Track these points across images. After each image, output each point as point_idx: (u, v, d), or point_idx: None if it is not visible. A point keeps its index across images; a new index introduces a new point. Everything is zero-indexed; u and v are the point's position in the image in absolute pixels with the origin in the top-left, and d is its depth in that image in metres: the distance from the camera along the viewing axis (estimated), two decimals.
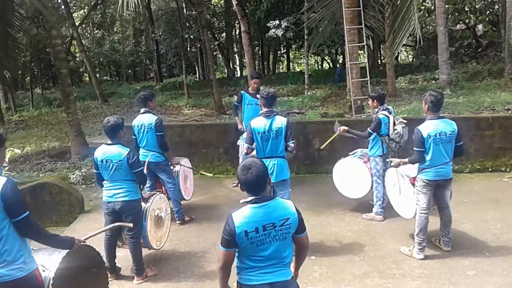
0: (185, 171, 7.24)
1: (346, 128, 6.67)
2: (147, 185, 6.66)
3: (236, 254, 3.05)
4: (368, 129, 6.47)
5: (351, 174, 6.91)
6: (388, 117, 6.38)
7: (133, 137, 6.64)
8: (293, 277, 3.15)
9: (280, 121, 5.46)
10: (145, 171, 5.44)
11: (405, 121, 6.43)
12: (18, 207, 3.09)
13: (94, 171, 5.20)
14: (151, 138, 6.51)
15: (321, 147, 7.43)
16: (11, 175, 7.58)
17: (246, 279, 3.03)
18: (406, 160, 5.55)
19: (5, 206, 3.01)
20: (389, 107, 6.65)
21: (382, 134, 6.41)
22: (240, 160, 7.77)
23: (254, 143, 5.50)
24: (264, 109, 5.55)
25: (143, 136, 6.52)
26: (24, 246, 3.15)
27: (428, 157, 5.19)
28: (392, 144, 6.35)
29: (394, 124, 6.33)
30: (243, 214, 2.95)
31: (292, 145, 5.53)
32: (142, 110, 6.64)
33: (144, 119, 6.52)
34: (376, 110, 6.59)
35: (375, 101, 6.61)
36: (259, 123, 5.46)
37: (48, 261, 3.46)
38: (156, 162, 6.55)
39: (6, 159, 6.92)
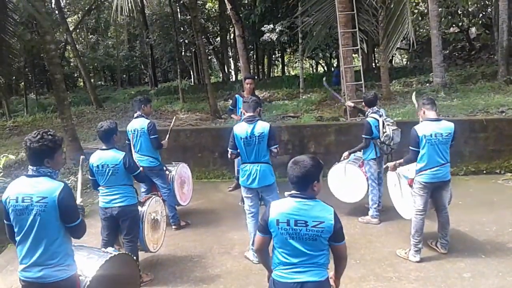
0: (181, 176, 7.22)
1: (347, 153, 6.82)
2: (143, 189, 6.67)
3: (273, 247, 3.11)
4: (363, 136, 6.51)
5: (347, 179, 6.92)
6: (378, 120, 6.40)
7: (127, 142, 6.64)
8: (328, 279, 3.13)
9: (262, 126, 5.46)
10: None
11: (392, 121, 6.44)
12: (74, 214, 3.28)
13: (89, 177, 5.19)
14: (144, 143, 6.51)
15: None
16: (6, 181, 7.55)
17: (279, 275, 3.08)
18: (401, 160, 5.59)
19: (61, 212, 3.18)
20: (380, 110, 6.66)
21: (374, 137, 6.43)
22: (235, 164, 7.76)
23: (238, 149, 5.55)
24: (247, 115, 5.58)
25: (136, 140, 6.52)
26: (70, 249, 3.36)
27: (424, 158, 5.22)
28: (383, 147, 6.38)
29: (383, 126, 6.34)
30: (280, 204, 3.06)
31: (275, 150, 5.56)
32: (135, 115, 6.65)
33: (137, 124, 6.54)
34: (366, 113, 6.63)
35: (365, 104, 6.68)
36: (241, 128, 5.48)
37: (86, 267, 3.60)
38: (150, 167, 6.54)
39: (1, 165, 6.89)
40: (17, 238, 3.26)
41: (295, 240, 2.97)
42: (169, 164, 7.12)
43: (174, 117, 7.43)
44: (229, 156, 5.71)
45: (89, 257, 3.68)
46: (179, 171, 7.15)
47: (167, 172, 6.84)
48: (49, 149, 3.25)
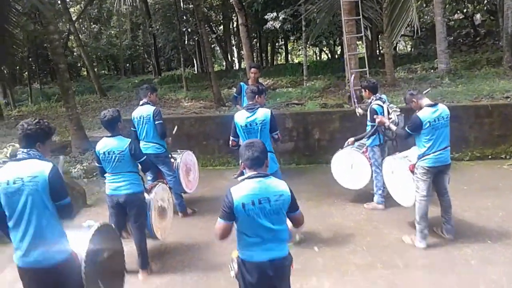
0: (187, 163, 7.23)
1: (353, 139, 6.80)
2: (149, 177, 6.69)
3: (237, 231, 3.29)
4: (368, 123, 6.51)
5: (350, 165, 6.92)
6: (382, 106, 6.39)
7: (132, 129, 6.65)
8: (289, 253, 3.37)
9: (263, 113, 5.47)
10: None
11: (399, 110, 6.43)
12: (63, 191, 3.36)
13: (97, 164, 5.20)
14: (150, 130, 6.51)
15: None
16: None
17: (248, 255, 3.26)
18: (393, 127, 5.70)
19: (51, 190, 3.25)
20: (382, 96, 6.63)
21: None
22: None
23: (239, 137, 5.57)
24: (248, 102, 5.64)
25: (142, 128, 6.53)
26: (63, 229, 3.41)
27: (428, 143, 5.22)
28: (388, 133, 6.37)
29: (389, 113, 6.32)
30: (241, 188, 3.22)
31: (276, 136, 5.62)
32: (141, 102, 6.65)
33: (143, 111, 6.54)
34: (370, 100, 6.61)
35: (367, 91, 6.65)
36: (241, 116, 5.51)
37: (76, 243, 3.59)
38: (156, 154, 6.56)
39: (8, 154, 6.94)
40: (10, 224, 3.29)
41: (261, 217, 3.17)
42: (174, 152, 7.14)
43: (176, 127, 7.45)
44: (230, 143, 5.75)
45: (74, 234, 3.64)
46: (184, 159, 7.15)
47: (172, 160, 6.86)
48: (43, 133, 3.40)
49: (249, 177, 3.25)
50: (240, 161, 3.43)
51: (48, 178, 3.23)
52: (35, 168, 3.25)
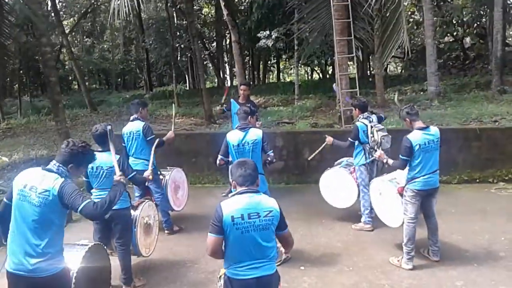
0: (175, 181, 7.19)
1: (332, 138, 6.84)
2: (137, 194, 6.64)
3: (225, 247, 3.27)
4: (349, 138, 6.57)
5: (337, 184, 6.95)
6: (366, 125, 6.42)
7: (123, 144, 6.62)
8: (277, 271, 3.36)
9: (255, 134, 5.57)
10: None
11: (382, 128, 6.41)
12: (75, 201, 3.34)
13: (84, 179, 5.17)
14: (139, 146, 6.49)
15: (309, 158, 7.54)
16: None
17: (234, 273, 3.24)
18: (391, 162, 5.60)
19: (63, 203, 3.32)
20: (371, 115, 6.66)
21: (362, 142, 6.46)
22: (230, 169, 7.75)
23: (230, 157, 5.58)
24: (240, 122, 5.70)
25: (131, 144, 6.52)
26: (62, 243, 3.48)
27: (418, 167, 5.24)
28: (372, 152, 6.37)
29: (372, 133, 6.32)
30: (231, 202, 3.24)
31: (272, 154, 5.70)
32: (131, 118, 6.64)
33: (133, 127, 6.54)
34: (357, 118, 6.67)
35: (357, 109, 6.71)
36: (234, 136, 5.55)
37: (69, 260, 3.70)
38: (145, 170, 6.52)
39: None
40: (12, 226, 3.37)
41: (250, 232, 3.17)
42: (163, 169, 7.10)
43: (174, 105, 7.51)
44: (217, 162, 5.75)
45: (68, 251, 3.74)
46: (173, 176, 7.11)
47: (160, 177, 6.82)
48: (82, 158, 3.57)
49: (239, 193, 3.27)
50: (231, 179, 3.43)
51: (58, 192, 3.29)
52: (51, 183, 3.32)
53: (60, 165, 3.42)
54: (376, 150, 6.17)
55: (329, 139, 6.85)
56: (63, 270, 3.44)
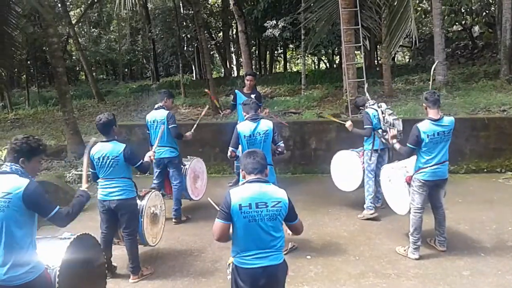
0: (195, 170, 7.28)
1: (352, 124, 6.82)
2: (156, 181, 6.73)
3: (232, 236, 3.30)
4: (365, 126, 6.53)
5: (345, 166, 6.98)
6: (377, 110, 6.40)
7: (147, 131, 6.73)
8: (284, 260, 3.38)
9: (266, 125, 5.59)
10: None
11: (392, 111, 6.44)
12: (45, 206, 3.27)
13: (90, 170, 5.19)
14: (164, 133, 6.53)
15: (326, 115, 7.59)
16: None
17: (241, 262, 3.27)
18: (397, 146, 5.58)
19: (30, 207, 3.16)
20: (380, 103, 6.61)
21: (374, 128, 6.43)
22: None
23: (240, 147, 5.57)
24: (250, 113, 5.68)
25: (155, 131, 6.56)
26: (34, 250, 3.26)
27: (425, 156, 5.22)
28: (386, 136, 6.32)
29: (383, 117, 6.30)
30: (240, 190, 3.26)
31: (282, 145, 5.69)
32: (156, 106, 6.73)
33: (157, 115, 6.65)
34: (365, 105, 6.68)
35: (357, 108, 6.81)
36: (245, 126, 5.54)
37: (52, 257, 3.55)
38: (170, 157, 6.68)
39: (2, 157, 6.93)
40: None
41: (257, 221, 3.19)
42: (184, 158, 7.17)
43: (206, 107, 7.59)
44: (229, 154, 5.72)
45: (53, 246, 3.66)
46: (193, 166, 7.23)
47: (181, 166, 6.91)
48: (29, 149, 3.31)
49: (249, 181, 3.29)
50: (241, 169, 3.43)
51: (22, 197, 3.12)
52: (11, 185, 3.15)
53: (12, 164, 3.25)
54: (388, 133, 6.12)
55: (350, 125, 6.80)
56: (39, 276, 3.22)
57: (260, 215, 3.19)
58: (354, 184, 6.88)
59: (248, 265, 3.25)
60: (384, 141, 6.41)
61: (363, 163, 6.69)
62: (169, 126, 6.56)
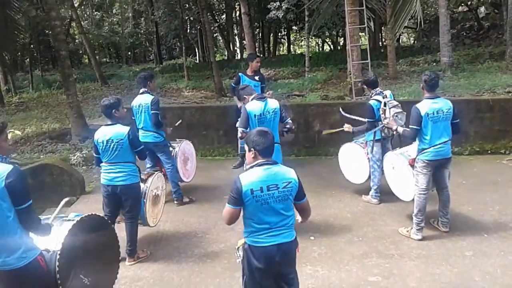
0: (185, 153, 7.29)
1: (351, 127, 6.77)
2: (148, 165, 6.73)
3: (244, 217, 3.35)
4: (367, 119, 6.44)
5: (352, 159, 6.94)
6: (380, 101, 6.29)
7: (132, 117, 6.66)
8: (296, 238, 3.42)
9: (274, 103, 5.66)
10: None
11: (396, 104, 6.25)
12: (23, 195, 3.05)
13: (94, 155, 5.21)
14: (148, 118, 6.54)
15: (323, 132, 7.56)
16: (12, 156, 7.61)
17: (254, 241, 3.31)
18: (401, 129, 5.58)
19: (10, 194, 2.97)
20: (385, 92, 6.49)
21: (377, 120, 6.37)
22: (239, 141, 7.77)
23: (249, 128, 5.57)
24: (254, 94, 5.76)
25: (140, 116, 6.56)
26: (25, 234, 3.12)
27: (427, 136, 5.21)
28: (385, 129, 6.28)
29: (385, 111, 6.20)
30: (250, 174, 3.28)
31: (290, 121, 5.76)
32: (141, 91, 6.68)
33: (142, 100, 6.58)
34: (369, 95, 6.56)
35: (367, 87, 6.63)
36: (255, 106, 5.53)
37: (54, 238, 3.40)
38: (155, 142, 6.62)
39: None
40: None
41: (269, 204, 3.23)
42: (172, 141, 7.17)
43: (180, 120, 7.57)
44: (239, 135, 5.68)
45: (54, 229, 3.46)
46: (183, 148, 7.21)
47: (170, 149, 6.90)
48: None
49: (258, 164, 3.30)
50: (248, 146, 3.36)
51: (4, 182, 2.94)
52: None
53: None
54: (388, 128, 6.11)
55: (348, 127, 6.78)
56: (31, 263, 3.08)
57: (272, 197, 3.23)
58: (363, 176, 6.82)
59: (263, 244, 3.28)
60: (385, 133, 6.36)
61: (367, 153, 6.66)
62: (151, 112, 6.48)
